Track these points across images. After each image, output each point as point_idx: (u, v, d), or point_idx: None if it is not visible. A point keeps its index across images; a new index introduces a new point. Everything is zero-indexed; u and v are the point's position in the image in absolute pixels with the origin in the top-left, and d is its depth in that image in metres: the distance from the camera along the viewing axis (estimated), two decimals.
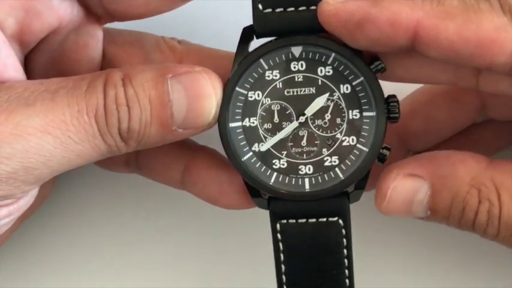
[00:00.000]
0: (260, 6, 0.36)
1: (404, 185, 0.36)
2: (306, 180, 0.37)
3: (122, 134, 0.34)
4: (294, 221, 0.38)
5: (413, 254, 0.45)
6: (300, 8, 0.36)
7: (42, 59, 0.39)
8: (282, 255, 0.38)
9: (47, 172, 0.34)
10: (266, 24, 0.36)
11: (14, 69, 0.35)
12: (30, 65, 0.39)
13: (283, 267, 0.38)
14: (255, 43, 0.37)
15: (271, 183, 0.37)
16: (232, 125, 0.37)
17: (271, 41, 0.36)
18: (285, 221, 0.38)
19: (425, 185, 0.36)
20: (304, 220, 0.37)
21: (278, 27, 0.36)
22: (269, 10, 0.36)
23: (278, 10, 0.36)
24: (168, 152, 0.40)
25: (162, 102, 0.34)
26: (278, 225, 0.38)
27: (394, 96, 0.36)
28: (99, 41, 0.40)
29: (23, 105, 0.33)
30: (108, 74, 0.34)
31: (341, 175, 0.37)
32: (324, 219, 0.37)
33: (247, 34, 0.37)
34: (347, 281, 0.38)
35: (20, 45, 0.37)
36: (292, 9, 0.36)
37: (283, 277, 0.38)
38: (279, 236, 0.38)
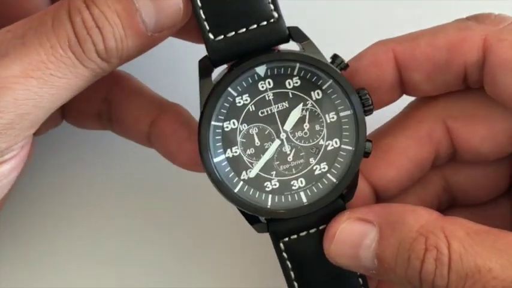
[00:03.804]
0: (211, 36, 0.36)
1: (353, 228, 0.36)
2: (302, 194, 0.37)
3: (101, 56, 0.34)
4: (295, 236, 0.37)
5: None
6: (251, 27, 0.36)
7: None
8: (292, 273, 0.38)
9: (41, 113, 0.35)
10: (222, 51, 0.36)
11: None
12: None
13: (295, 284, 0.38)
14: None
15: (268, 207, 0.37)
16: (216, 160, 0.36)
17: (232, 68, 0.36)
18: (287, 239, 0.37)
19: (374, 230, 0.36)
20: (305, 233, 0.37)
21: (234, 52, 0.36)
22: (221, 37, 0.36)
23: (230, 35, 0.36)
24: (140, 104, 0.42)
25: (130, 12, 0.34)
26: (282, 245, 0.38)
27: (363, 89, 0.37)
28: None
29: None
30: (70, 1, 0.34)
31: (334, 179, 0.37)
32: (324, 226, 0.37)
33: (206, 66, 0.36)
34: (360, 280, 0.38)
35: None
36: (244, 30, 0.36)
37: None
38: (284, 255, 0.38)
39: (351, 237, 0.36)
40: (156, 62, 0.46)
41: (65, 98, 0.35)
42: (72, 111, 0.43)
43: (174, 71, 0.47)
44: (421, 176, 0.41)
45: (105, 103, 0.42)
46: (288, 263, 0.38)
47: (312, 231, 0.37)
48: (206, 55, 0.36)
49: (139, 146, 0.43)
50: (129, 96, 0.42)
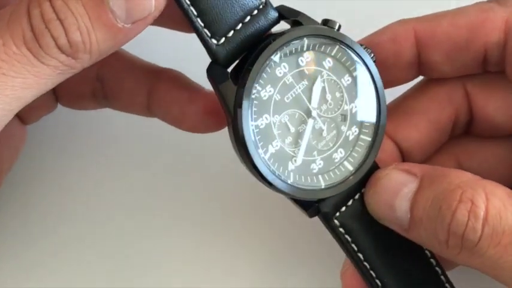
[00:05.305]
0: (214, 41, 0.35)
1: (395, 176, 0.37)
2: (346, 163, 0.37)
3: (64, 51, 0.32)
4: (344, 208, 0.38)
5: None
6: (246, 20, 0.36)
7: None
8: (354, 246, 0.38)
9: None
10: (227, 53, 0.36)
11: None
12: None
13: (360, 256, 0.38)
14: None
15: (323, 187, 0.37)
16: (265, 157, 0.36)
17: (243, 63, 0.36)
18: (338, 214, 0.38)
19: (416, 181, 0.36)
20: (351, 201, 0.38)
21: (239, 49, 0.36)
22: (223, 40, 0.36)
23: (230, 34, 0.36)
24: (133, 76, 0.40)
25: (97, 2, 0.32)
26: (336, 221, 0.38)
27: (361, 44, 0.37)
28: None
29: None
30: None
31: (368, 138, 0.37)
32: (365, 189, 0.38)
33: (217, 72, 0.36)
34: None
35: None
36: (240, 25, 0.36)
37: (366, 264, 0.38)
38: (341, 230, 0.38)
39: (391, 183, 0.36)
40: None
41: (26, 98, 0.32)
42: (66, 94, 0.41)
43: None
44: (440, 142, 0.41)
45: (97, 81, 0.41)
46: (347, 236, 0.38)
47: (356, 197, 0.38)
48: (211, 62, 0.36)
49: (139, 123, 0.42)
50: (120, 70, 0.40)
